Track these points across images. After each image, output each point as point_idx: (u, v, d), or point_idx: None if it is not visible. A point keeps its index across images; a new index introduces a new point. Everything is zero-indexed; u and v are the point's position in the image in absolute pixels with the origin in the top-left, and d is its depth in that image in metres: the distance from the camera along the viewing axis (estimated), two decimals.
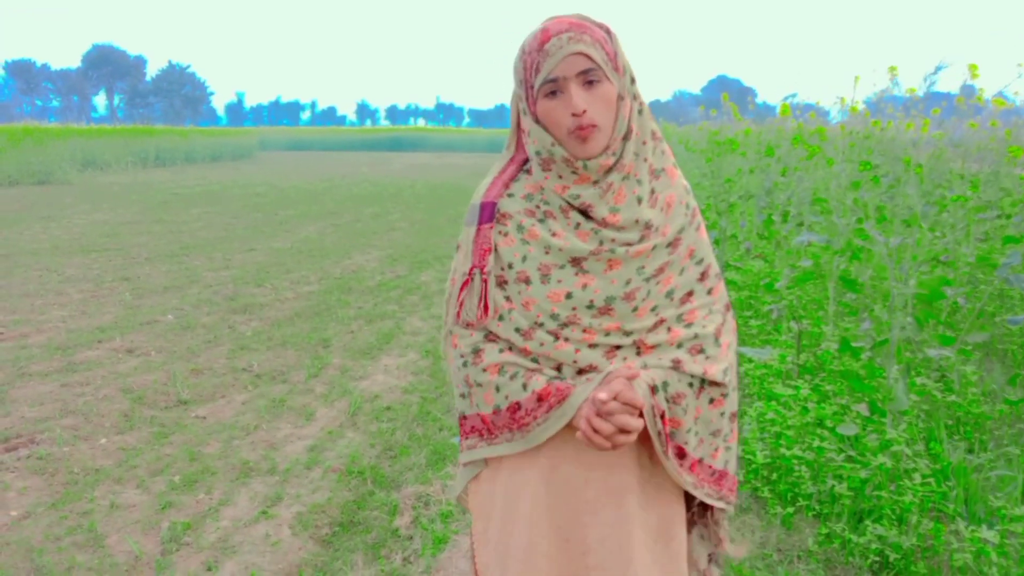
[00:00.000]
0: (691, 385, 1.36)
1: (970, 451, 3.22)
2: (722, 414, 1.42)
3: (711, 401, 1.40)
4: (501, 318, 1.34)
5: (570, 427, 1.33)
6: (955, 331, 4.31)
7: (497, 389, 1.34)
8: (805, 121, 7.63)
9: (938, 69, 5.13)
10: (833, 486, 2.82)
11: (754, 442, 3.20)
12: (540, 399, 1.31)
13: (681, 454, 1.39)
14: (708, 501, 1.44)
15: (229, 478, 3.28)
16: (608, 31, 1.27)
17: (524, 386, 1.32)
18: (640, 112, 1.32)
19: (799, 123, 7.34)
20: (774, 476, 3.05)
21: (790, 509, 2.85)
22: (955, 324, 4.54)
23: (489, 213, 1.35)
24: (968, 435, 3.38)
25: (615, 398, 1.23)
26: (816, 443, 2.99)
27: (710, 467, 1.43)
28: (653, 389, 1.31)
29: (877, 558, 2.54)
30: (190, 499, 3.09)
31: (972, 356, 4.03)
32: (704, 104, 12.14)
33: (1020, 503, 2.70)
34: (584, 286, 1.30)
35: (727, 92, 8.76)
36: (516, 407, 1.33)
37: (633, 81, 1.30)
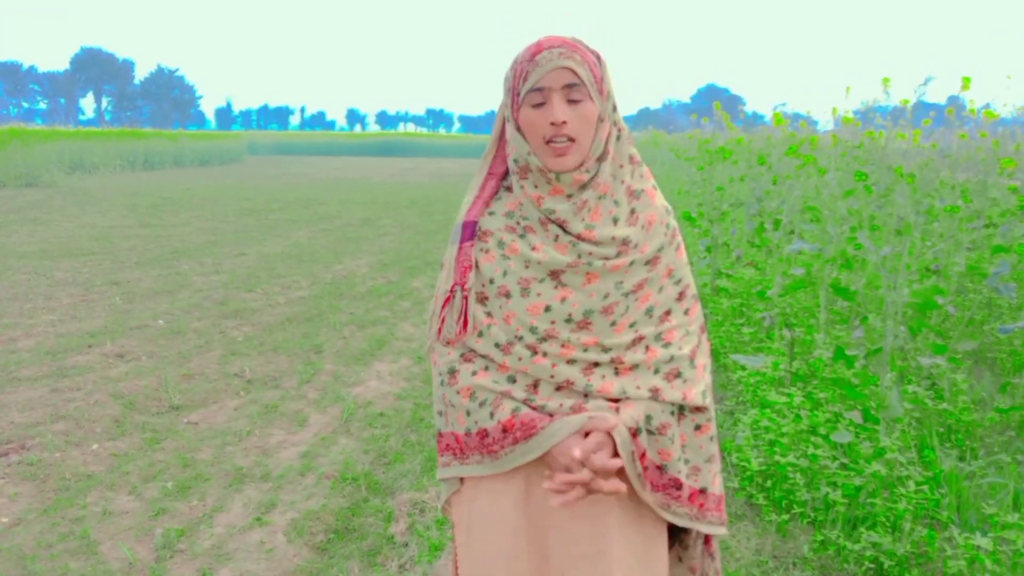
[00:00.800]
0: (672, 413, 1.37)
1: (961, 459, 3.25)
2: (711, 439, 1.43)
3: (697, 428, 1.40)
4: (481, 334, 1.37)
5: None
6: (945, 339, 4.34)
7: (468, 413, 1.37)
8: (796, 130, 7.68)
9: (927, 81, 5.18)
10: (827, 493, 2.83)
11: (748, 449, 3.21)
12: (505, 430, 1.33)
13: (677, 485, 1.39)
14: (710, 531, 1.43)
15: (222, 484, 3.26)
16: (599, 57, 1.31)
17: (491, 415, 1.34)
18: (619, 138, 1.36)
19: (791, 132, 7.39)
20: (769, 483, 3.06)
21: (785, 516, 2.87)
22: (945, 332, 4.58)
23: (470, 232, 1.38)
24: (959, 443, 3.41)
25: (592, 468, 1.26)
26: (810, 450, 3.01)
27: (714, 494, 1.43)
28: (635, 432, 1.31)
29: (872, 565, 2.56)
30: (183, 505, 3.07)
31: (962, 364, 4.06)
32: (694, 112, 12.20)
33: (1012, 510, 2.72)
34: (563, 299, 1.33)
35: (717, 101, 8.81)
36: (484, 434, 1.35)
37: (615, 108, 1.35)
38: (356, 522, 2.98)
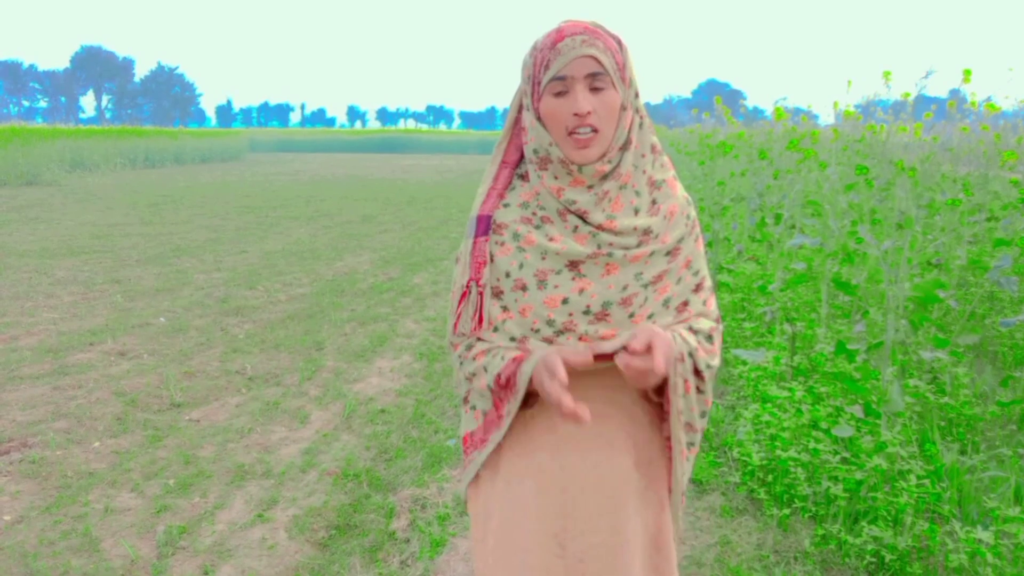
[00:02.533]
0: (688, 355, 1.34)
1: (963, 452, 3.24)
2: (704, 398, 1.41)
3: (684, 380, 1.38)
4: (496, 329, 1.36)
5: (568, 442, 1.35)
6: (946, 333, 4.33)
7: (485, 369, 1.36)
8: (797, 124, 7.67)
9: (928, 74, 5.16)
10: (829, 487, 2.83)
11: (750, 444, 3.21)
12: (515, 360, 1.31)
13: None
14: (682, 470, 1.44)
15: (224, 481, 3.27)
16: (620, 42, 1.28)
17: (503, 358, 1.33)
18: (641, 125, 1.33)
19: (792, 126, 7.38)
20: (770, 478, 3.06)
21: (786, 510, 2.86)
22: (946, 326, 4.57)
23: (484, 226, 1.36)
24: (961, 437, 3.40)
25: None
26: (811, 445, 3.00)
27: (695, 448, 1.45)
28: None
29: (873, 559, 2.56)
30: (185, 503, 3.07)
31: (963, 358, 4.06)
32: (695, 107, 12.19)
33: (1013, 504, 2.72)
34: (581, 291, 1.31)
35: (718, 95, 8.80)
36: (498, 377, 1.33)
37: (637, 95, 1.31)
38: (357, 518, 2.98)
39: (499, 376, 1.32)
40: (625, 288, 1.31)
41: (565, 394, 1.19)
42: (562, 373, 1.20)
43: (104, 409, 4.02)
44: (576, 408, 1.18)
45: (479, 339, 1.38)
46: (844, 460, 2.99)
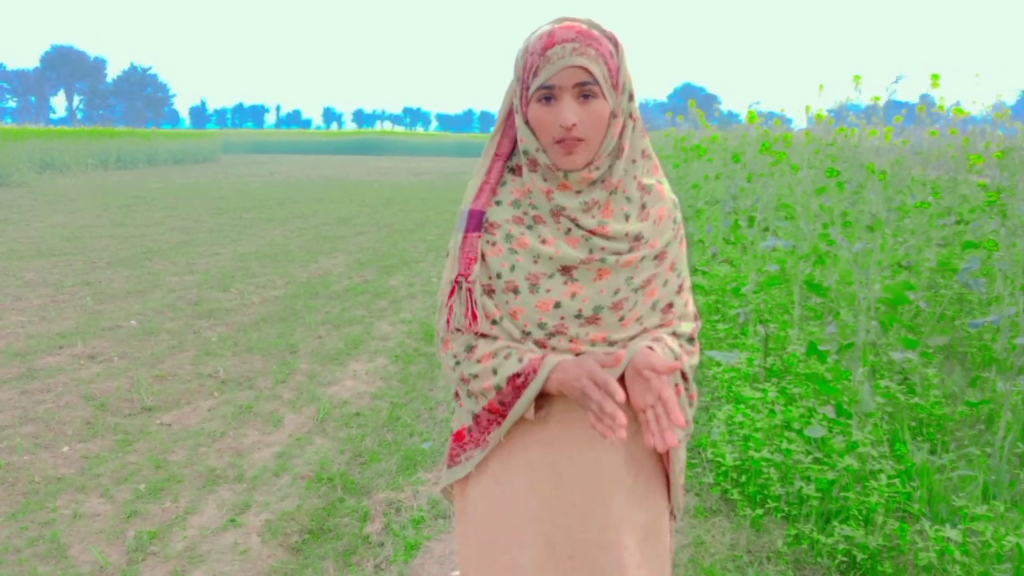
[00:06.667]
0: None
1: (932, 452, 3.29)
2: (687, 402, 1.43)
3: (675, 384, 1.40)
4: (495, 322, 1.34)
5: (558, 438, 1.35)
6: (916, 334, 4.39)
7: (494, 372, 1.32)
8: (770, 128, 7.74)
9: (898, 79, 5.24)
10: (801, 488, 2.85)
11: (723, 444, 3.23)
12: (535, 369, 1.29)
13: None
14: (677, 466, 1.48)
15: (196, 486, 3.23)
16: (616, 43, 1.26)
17: (519, 360, 1.31)
18: (633, 129, 1.32)
19: (765, 130, 7.45)
20: (743, 478, 3.08)
21: (759, 511, 2.88)
22: (916, 327, 4.64)
23: (476, 222, 1.34)
24: (931, 436, 3.45)
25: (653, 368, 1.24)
26: (784, 445, 3.03)
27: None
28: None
29: (845, 558, 2.58)
30: (156, 507, 3.03)
31: (933, 359, 4.11)
32: (670, 111, 12.29)
33: (981, 502, 2.76)
34: (573, 295, 1.31)
35: (692, 99, 8.87)
36: (515, 377, 1.30)
37: (631, 98, 1.29)
38: (331, 522, 2.96)
39: (516, 376, 1.30)
40: (617, 293, 1.32)
41: (619, 411, 1.18)
42: (619, 392, 1.19)
43: (73, 413, 3.95)
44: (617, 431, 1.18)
45: (481, 336, 1.35)
46: (816, 460, 3.02)
